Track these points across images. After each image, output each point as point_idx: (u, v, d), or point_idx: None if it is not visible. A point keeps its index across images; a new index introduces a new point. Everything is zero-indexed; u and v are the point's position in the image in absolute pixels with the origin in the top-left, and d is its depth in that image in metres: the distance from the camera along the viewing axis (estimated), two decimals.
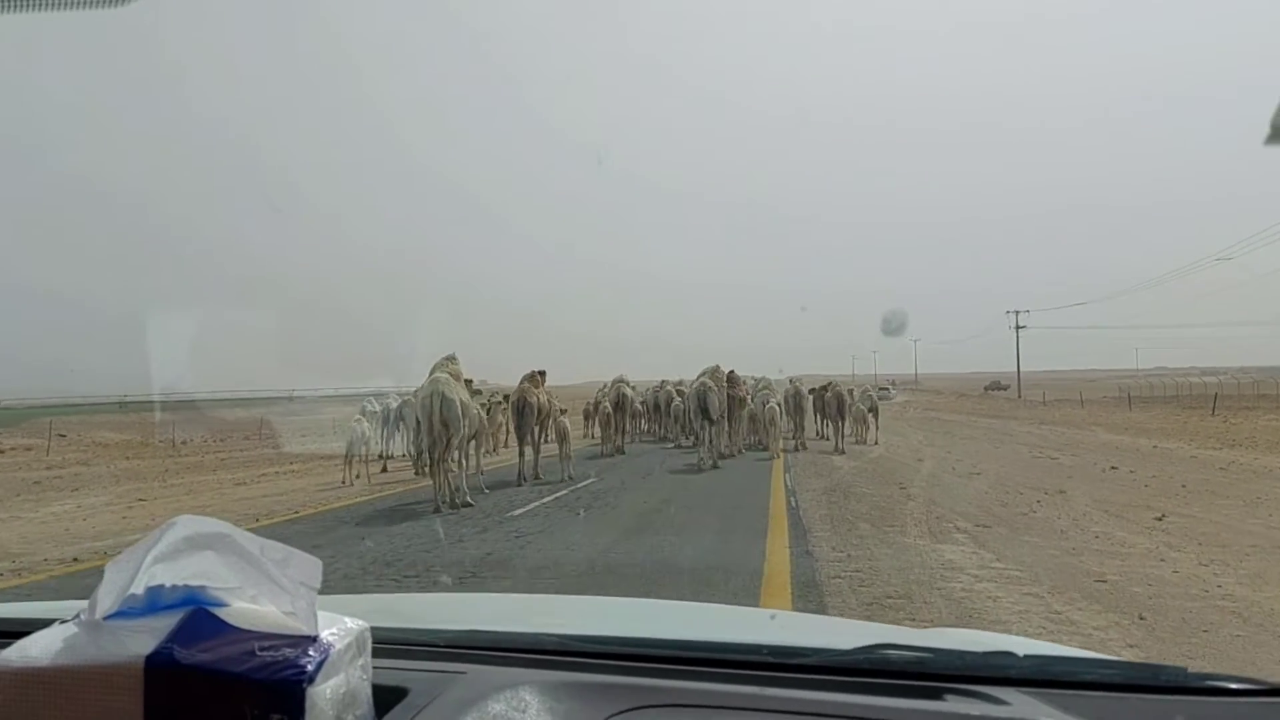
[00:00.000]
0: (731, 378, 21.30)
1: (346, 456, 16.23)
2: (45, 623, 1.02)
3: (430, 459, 12.51)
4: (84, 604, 0.94)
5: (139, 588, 0.93)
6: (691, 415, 19.63)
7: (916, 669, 1.18)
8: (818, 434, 26.31)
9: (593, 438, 24.46)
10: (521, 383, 17.63)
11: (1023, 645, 1.42)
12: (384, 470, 18.64)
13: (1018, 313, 75.98)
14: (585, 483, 14.97)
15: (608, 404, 22.94)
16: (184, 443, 35.50)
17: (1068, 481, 14.71)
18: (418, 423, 13.09)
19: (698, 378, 20.15)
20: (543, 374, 18.17)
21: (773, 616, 1.80)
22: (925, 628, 3.05)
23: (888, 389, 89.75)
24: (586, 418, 24.65)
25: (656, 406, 27.96)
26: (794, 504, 11.78)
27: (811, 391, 25.94)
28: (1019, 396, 71.32)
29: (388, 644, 1.18)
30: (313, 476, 18.24)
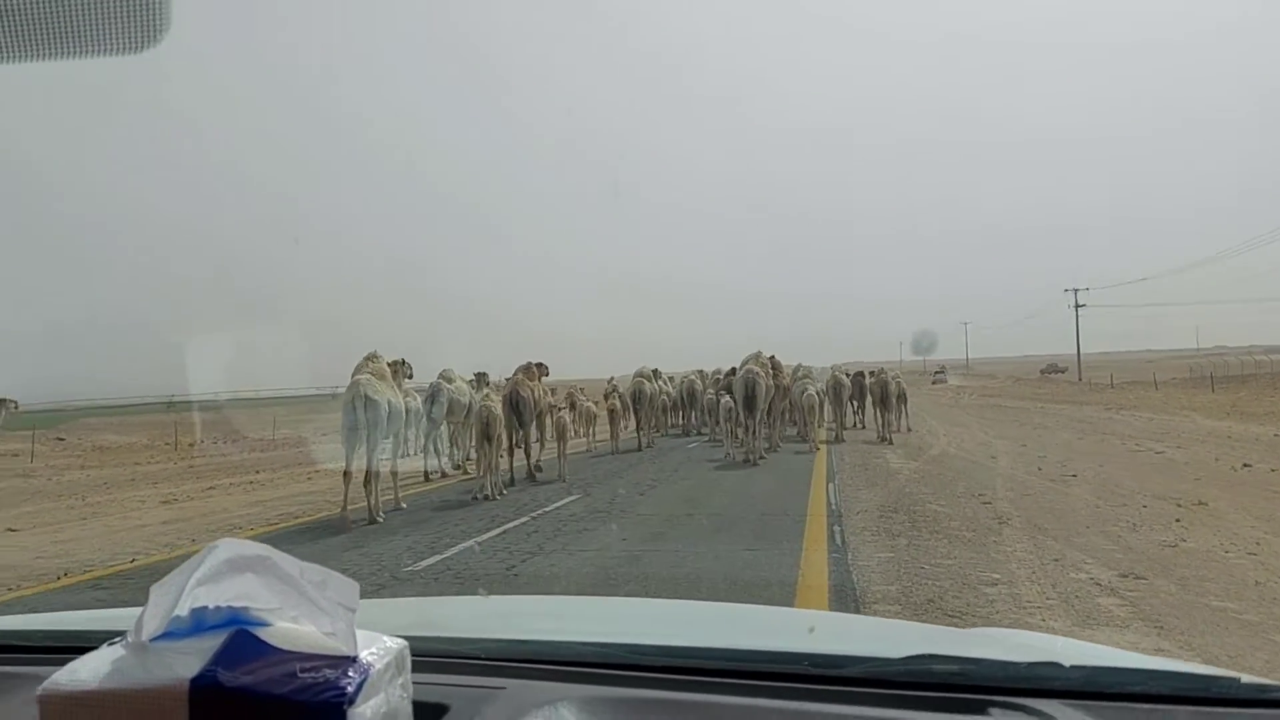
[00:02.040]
0: (775, 364, 19.99)
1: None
2: (86, 634, 1.19)
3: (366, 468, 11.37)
4: (117, 613, 1.10)
5: (183, 610, 0.95)
6: (738, 405, 18.06)
7: (961, 681, 1.16)
8: (855, 423, 24.94)
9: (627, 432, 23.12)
10: (515, 374, 16.12)
11: (1069, 651, 1.41)
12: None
13: (1076, 290, 72.25)
14: (562, 503, 12.08)
15: (615, 399, 21.99)
16: (190, 445, 32.77)
17: (1199, 487, 11.87)
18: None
19: (742, 364, 18.72)
20: (542, 366, 16.96)
21: (811, 629, 1.62)
22: (970, 627, 2.94)
23: (942, 373, 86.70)
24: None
25: (683, 399, 26.57)
26: (838, 537, 7.93)
27: (858, 376, 24.57)
28: (1080, 379, 67.40)
29: (427, 656, 1.18)
30: (281, 487, 16.49)
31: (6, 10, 0.77)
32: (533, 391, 15.84)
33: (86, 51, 0.80)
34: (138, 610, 0.98)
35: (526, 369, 16.27)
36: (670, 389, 25.93)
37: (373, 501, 11.21)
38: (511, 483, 14.57)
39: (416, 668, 1.04)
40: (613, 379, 24.17)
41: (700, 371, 27.26)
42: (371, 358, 12.11)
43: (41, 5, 0.77)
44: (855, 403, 24.78)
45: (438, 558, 8.28)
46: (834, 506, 10.75)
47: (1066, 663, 1.18)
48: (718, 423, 20.76)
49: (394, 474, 12.39)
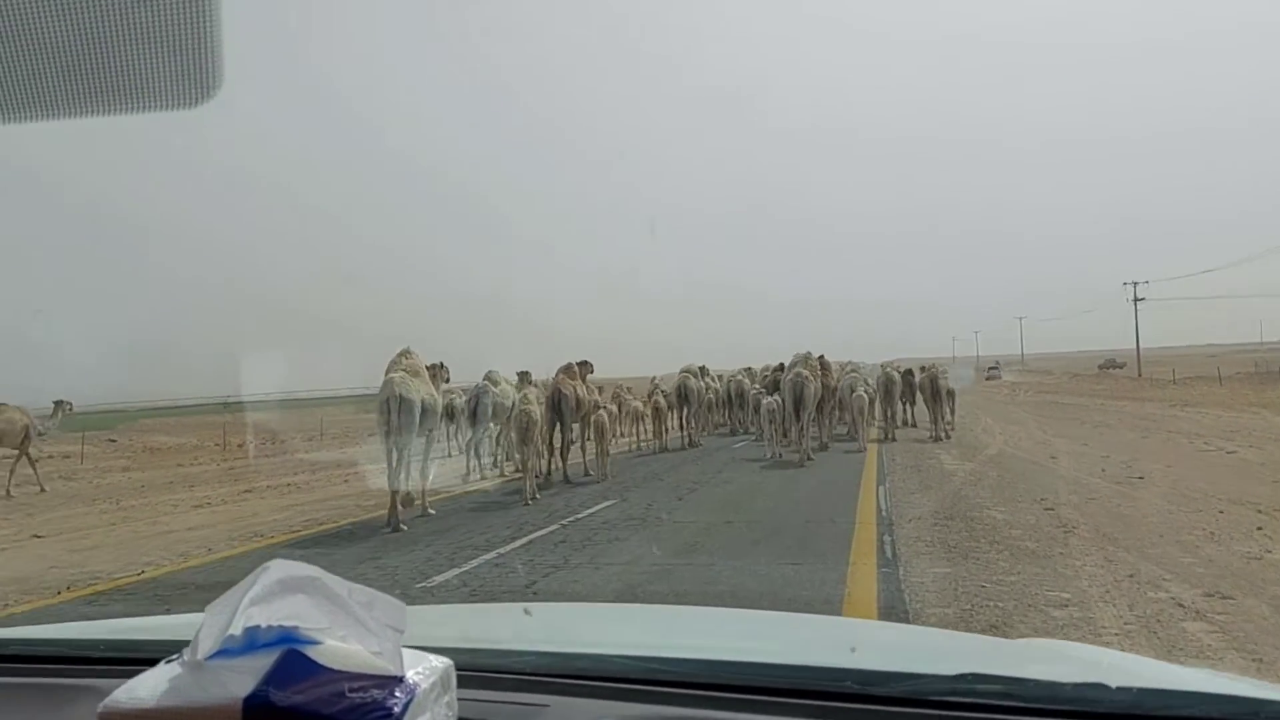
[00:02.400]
0: (823, 364, 19.91)
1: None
2: (142, 644, 1.31)
3: (389, 467, 11.20)
4: (172, 621, 1.20)
5: (237, 629, 0.98)
6: (786, 409, 18.06)
7: (1006, 702, 1.16)
8: (905, 421, 24.35)
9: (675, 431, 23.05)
10: (557, 374, 16.01)
11: (1117, 669, 1.41)
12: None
13: (1135, 284, 68.72)
14: (597, 508, 11.59)
15: (659, 397, 21.61)
16: (239, 446, 33.01)
17: (1278, 490, 11.10)
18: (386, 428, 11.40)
19: (790, 367, 18.70)
20: (585, 365, 16.67)
21: (853, 650, 1.56)
22: (1017, 639, 2.96)
23: (996, 368, 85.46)
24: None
25: (730, 397, 26.06)
26: (889, 549, 7.31)
27: (908, 374, 23.97)
28: (1139, 375, 65.00)
29: (471, 671, 1.20)
30: (317, 490, 16.18)
31: (58, 69, 0.81)
32: (574, 390, 15.56)
33: (138, 108, 0.83)
34: (189, 618, 1.09)
35: (568, 368, 16.02)
36: (718, 386, 25.71)
37: (405, 501, 11.07)
38: (562, 480, 14.63)
39: (460, 683, 1.06)
40: (655, 379, 23.89)
41: (749, 369, 26.99)
42: (405, 354, 11.80)
43: (91, 63, 0.81)
44: (905, 400, 24.30)
45: (455, 571, 7.85)
46: (884, 513, 10.10)
47: (1113, 684, 1.16)
48: (796, 422, 20.29)
49: (423, 477, 12.06)
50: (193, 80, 0.83)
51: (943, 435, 20.81)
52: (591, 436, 15.86)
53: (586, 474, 15.25)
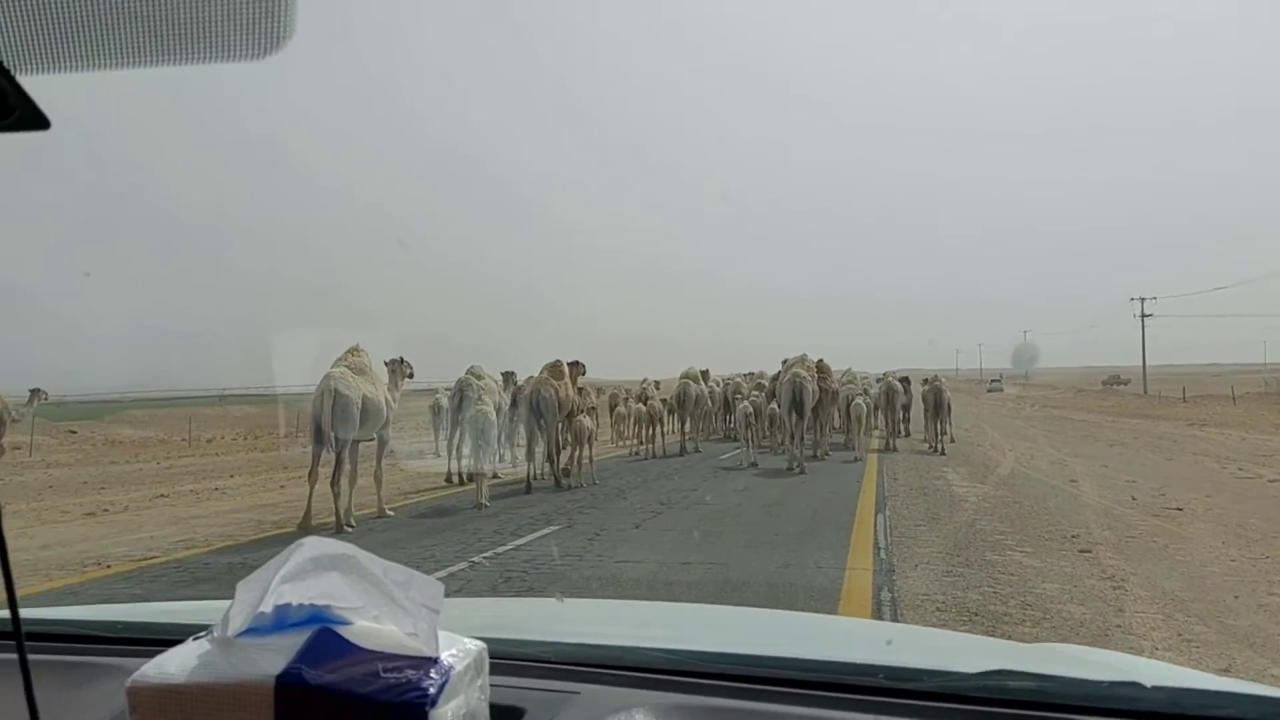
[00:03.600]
0: (822, 367, 18.91)
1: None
2: (167, 626, 1.30)
3: (334, 470, 10.52)
4: (198, 606, 1.15)
5: (267, 606, 0.98)
6: (782, 410, 17.46)
7: (1037, 698, 1.14)
8: (900, 431, 23.46)
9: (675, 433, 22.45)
10: (541, 373, 14.89)
11: (1150, 671, 1.37)
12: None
13: (1143, 299, 68.30)
14: (538, 535, 9.91)
15: (655, 401, 20.96)
16: (210, 440, 31.57)
17: None
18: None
19: (786, 369, 17.85)
20: (577, 365, 15.66)
21: (889, 642, 1.56)
22: (1039, 643, 2.77)
23: (998, 381, 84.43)
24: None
25: (728, 402, 24.72)
26: (887, 610, 5.58)
27: (904, 380, 23.43)
28: (1144, 392, 63.82)
29: (503, 659, 1.21)
30: (245, 496, 15.01)
31: (130, 15, 0.81)
32: (557, 391, 14.57)
33: (210, 57, 0.83)
34: (218, 604, 1.03)
35: (554, 367, 15.07)
36: (718, 390, 24.91)
37: (341, 509, 10.43)
38: (551, 487, 14.18)
39: (493, 670, 1.05)
40: (646, 380, 22.78)
41: (749, 374, 26.30)
42: (353, 351, 11.29)
43: (166, 9, 0.81)
44: (904, 410, 23.71)
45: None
46: (883, 553, 8.15)
47: (1149, 683, 1.14)
48: (764, 429, 20.25)
49: (378, 479, 11.48)
50: (262, 29, 0.80)
51: (941, 448, 20.21)
52: (572, 441, 15.00)
53: (557, 481, 14.38)
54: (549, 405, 14.21)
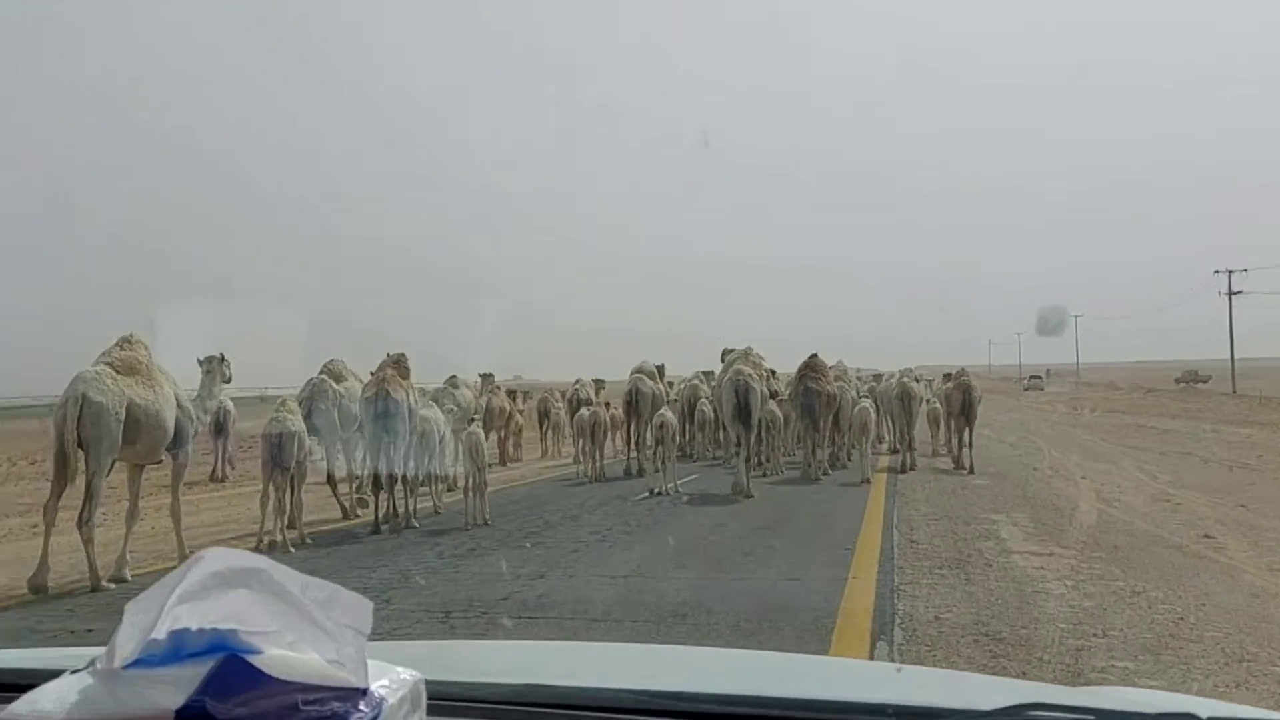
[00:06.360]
0: (815, 365, 16.32)
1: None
2: (55, 672, 1.02)
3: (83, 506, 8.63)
4: (99, 651, 0.93)
5: (161, 632, 0.90)
6: (725, 420, 15.13)
7: None
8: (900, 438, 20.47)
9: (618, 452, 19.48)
10: (381, 369, 11.84)
11: (1203, 706, 1.23)
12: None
13: (1230, 272, 56.30)
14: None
15: (600, 407, 16.99)
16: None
17: None
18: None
19: (727, 365, 15.68)
20: (402, 360, 12.30)
21: (899, 669, 1.68)
22: (1075, 686, 2.62)
23: (1038, 377, 75.66)
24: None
25: (685, 410, 20.09)
26: None
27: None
28: (1234, 392, 53.55)
29: (440, 699, 1.10)
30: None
31: None
32: (408, 394, 11.75)
33: None
34: (93, 650, 0.98)
35: (396, 361, 12.28)
36: (673, 395, 21.36)
37: (97, 561, 8.89)
38: (405, 526, 10.91)
39: (430, 710, 0.99)
40: (579, 380, 19.94)
41: (709, 373, 21.62)
42: (124, 342, 9.54)
43: None
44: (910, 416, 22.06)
45: None
46: None
47: (1204, 714, 1.08)
48: (736, 442, 17.97)
49: (175, 517, 9.42)
50: None
51: (968, 465, 16.98)
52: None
53: (408, 521, 11.09)
54: (398, 409, 11.04)
